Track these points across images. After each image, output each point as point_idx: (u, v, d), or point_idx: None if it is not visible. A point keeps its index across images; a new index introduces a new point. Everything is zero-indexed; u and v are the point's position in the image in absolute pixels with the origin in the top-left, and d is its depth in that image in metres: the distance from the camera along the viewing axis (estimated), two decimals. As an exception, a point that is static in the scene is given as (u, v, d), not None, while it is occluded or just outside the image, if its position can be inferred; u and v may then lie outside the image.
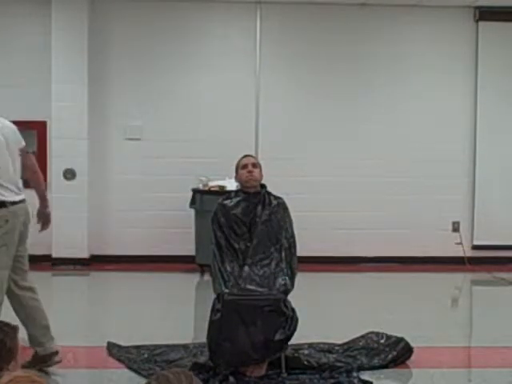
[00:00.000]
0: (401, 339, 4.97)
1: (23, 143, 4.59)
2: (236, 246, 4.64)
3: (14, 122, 4.61)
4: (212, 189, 8.13)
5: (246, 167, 4.80)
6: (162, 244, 8.69)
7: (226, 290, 4.46)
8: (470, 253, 8.98)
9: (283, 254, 4.63)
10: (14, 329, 2.59)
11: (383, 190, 8.90)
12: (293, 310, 4.51)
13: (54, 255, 8.47)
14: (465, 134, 9.02)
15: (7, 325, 2.60)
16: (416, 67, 8.96)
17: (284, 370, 4.53)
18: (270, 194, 4.84)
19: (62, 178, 8.43)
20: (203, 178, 8.30)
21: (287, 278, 4.56)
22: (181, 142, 8.73)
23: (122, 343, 5.13)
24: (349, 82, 8.92)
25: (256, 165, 4.85)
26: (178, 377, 1.98)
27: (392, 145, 8.93)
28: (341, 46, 8.86)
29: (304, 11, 8.77)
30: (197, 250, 8.19)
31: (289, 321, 4.43)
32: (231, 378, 4.34)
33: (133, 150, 8.74)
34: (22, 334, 4.47)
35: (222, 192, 7.51)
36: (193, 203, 8.21)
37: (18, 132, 4.57)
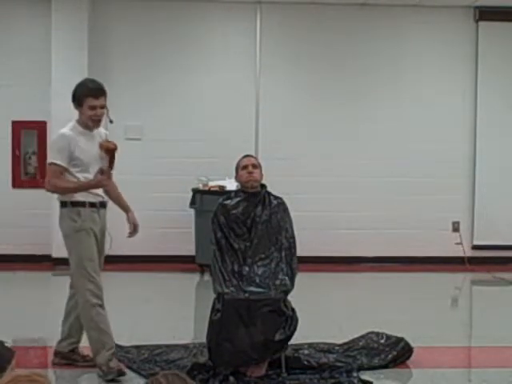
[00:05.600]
0: (401, 339, 4.96)
1: None
2: (236, 246, 4.64)
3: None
4: (212, 189, 8.13)
5: (247, 168, 4.79)
6: (162, 244, 8.69)
7: (226, 290, 4.46)
8: (470, 253, 8.98)
9: (283, 254, 4.63)
10: None
11: (383, 189, 8.90)
12: (293, 310, 4.51)
13: (54, 255, 8.44)
14: (465, 133, 9.02)
15: None
16: (416, 67, 8.96)
17: (284, 370, 4.53)
18: (270, 194, 4.83)
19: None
20: (203, 178, 8.30)
21: (287, 277, 4.56)
22: (181, 142, 8.73)
23: (122, 343, 5.13)
24: (348, 82, 8.91)
25: (256, 165, 4.83)
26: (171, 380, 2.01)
27: (392, 145, 8.93)
28: (341, 46, 8.87)
29: (304, 11, 8.77)
30: (197, 250, 8.19)
31: (289, 321, 4.43)
32: (231, 378, 4.34)
33: (133, 150, 8.72)
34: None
35: (222, 192, 7.51)
36: (193, 203, 8.21)
37: None
